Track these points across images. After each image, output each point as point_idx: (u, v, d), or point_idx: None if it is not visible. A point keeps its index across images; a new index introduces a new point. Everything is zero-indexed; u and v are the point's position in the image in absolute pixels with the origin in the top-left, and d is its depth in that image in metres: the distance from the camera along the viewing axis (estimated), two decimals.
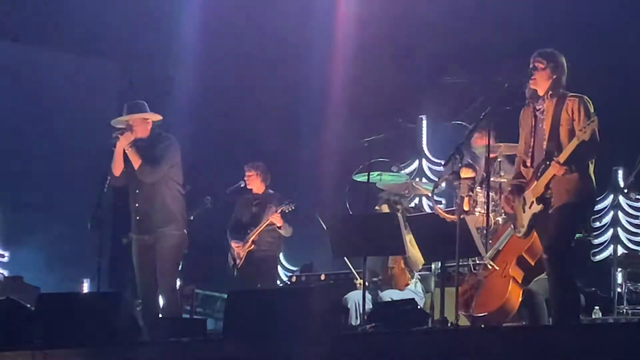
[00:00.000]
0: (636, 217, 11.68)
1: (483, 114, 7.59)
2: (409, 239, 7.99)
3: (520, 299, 7.58)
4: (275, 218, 10.32)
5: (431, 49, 12.10)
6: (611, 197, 11.64)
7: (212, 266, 10.97)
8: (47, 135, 13.26)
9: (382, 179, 9.93)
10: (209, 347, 7.19)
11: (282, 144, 12.74)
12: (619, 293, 10.10)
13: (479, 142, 9.18)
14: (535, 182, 7.11)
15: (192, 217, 9.55)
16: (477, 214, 9.09)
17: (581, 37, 10.74)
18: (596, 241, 11.56)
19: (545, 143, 7.12)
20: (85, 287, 12.23)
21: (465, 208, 8.65)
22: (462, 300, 7.65)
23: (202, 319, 10.16)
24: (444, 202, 11.23)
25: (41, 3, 12.78)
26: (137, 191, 8.78)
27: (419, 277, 9.17)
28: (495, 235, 8.12)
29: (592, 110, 7.04)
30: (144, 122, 8.79)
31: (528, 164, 7.25)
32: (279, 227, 10.39)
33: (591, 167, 7.09)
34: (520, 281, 7.59)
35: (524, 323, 7.94)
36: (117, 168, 8.76)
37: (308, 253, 11.57)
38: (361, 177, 9.89)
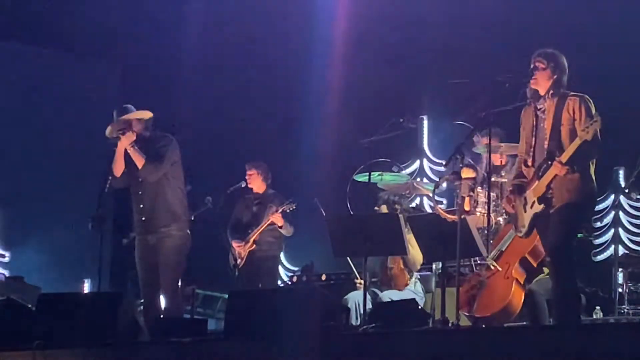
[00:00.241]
0: (637, 217, 11.67)
1: (483, 114, 7.60)
2: (408, 238, 7.98)
3: (522, 301, 7.59)
4: (276, 218, 10.32)
5: (432, 49, 12.10)
6: (612, 197, 11.63)
7: (213, 266, 10.97)
8: (47, 136, 13.26)
9: (383, 179, 9.93)
10: (210, 348, 7.18)
11: (282, 144, 12.74)
12: (619, 293, 10.10)
13: (485, 142, 9.18)
14: (537, 182, 7.11)
15: (192, 217, 9.54)
16: (478, 214, 9.10)
17: (581, 37, 10.74)
18: (597, 241, 11.55)
19: (546, 143, 7.12)
20: (86, 287, 12.25)
21: (466, 208, 8.66)
22: (464, 300, 7.65)
23: (203, 319, 10.15)
24: (444, 202, 11.24)
25: (41, 3, 12.78)
26: (140, 192, 8.75)
27: (419, 277, 9.17)
28: (497, 235, 8.12)
29: (593, 109, 7.04)
30: (139, 122, 8.78)
31: (529, 163, 7.25)
32: (280, 227, 10.39)
33: (592, 167, 7.09)
34: (522, 282, 7.59)
35: (524, 323, 7.94)
36: (118, 168, 8.73)
37: (309, 253, 11.57)
38: (362, 177, 9.90)
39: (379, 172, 9.85)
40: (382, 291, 8.90)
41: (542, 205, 7.07)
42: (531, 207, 7.13)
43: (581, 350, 5.98)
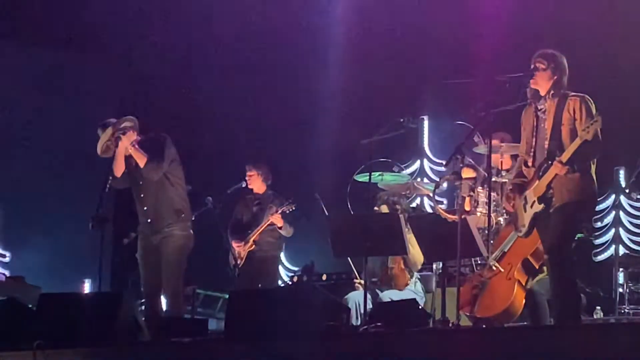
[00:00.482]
0: (637, 217, 11.67)
1: (483, 114, 7.60)
2: (408, 238, 7.98)
3: (523, 302, 7.59)
4: (275, 218, 10.33)
5: (432, 49, 12.10)
6: (613, 197, 11.63)
7: (213, 266, 10.97)
8: (48, 135, 13.25)
9: (383, 179, 9.93)
10: (210, 348, 7.18)
11: (282, 144, 12.74)
12: (620, 293, 10.10)
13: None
14: (537, 182, 7.11)
15: (193, 218, 9.54)
16: (478, 214, 9.10)
17: (581, 37, 10.74)
18: (597, 241, 11.56)
19: (546, 143, 7.12)
20: (87, 287, 12.25)
21: (467, 208, 8.65)
22: (465, 300, 7.65)
23: (203, 319, 10.15)
24: (445, 202, 11.23)
25: (41, 2, 12.78)
26: (142, 195, 8.73)
27: (419, 277, 9.17)
28: (498, 235, 8.12)
29: (594, 109, 7.05)
30: (132, 126, 8.76)
31: (530, 163, 7.25)
32: (280, 228, 10.40)
33: (593, 167, 7.09)
34: (524, 284, 7.59)
35: (524, 323, 7.94)
36: (119, 169, 8.71)
37: (309, 253, 11.57)
38: (362, 177, 9.89)
39: (380, 172, 9.84)
40: (382, 291, 8.90)
41: (542, 205, 7.08)
42: (531, 206, 7.14)
43: (581, 350, 5.98)
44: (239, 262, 10.33)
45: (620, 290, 10.14)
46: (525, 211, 7.19)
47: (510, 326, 7.61)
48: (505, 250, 7.74)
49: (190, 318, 10.08)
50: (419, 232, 7.90)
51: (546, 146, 7.12)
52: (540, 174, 7.10)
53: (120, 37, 12.93)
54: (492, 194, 8.54)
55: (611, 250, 11.41)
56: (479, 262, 8.83)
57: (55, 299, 7.89)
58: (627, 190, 11.18)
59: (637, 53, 10.72)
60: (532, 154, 7.24)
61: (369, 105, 12.15)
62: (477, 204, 9.17)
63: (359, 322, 8.32)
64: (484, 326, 7.58)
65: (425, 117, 12.76)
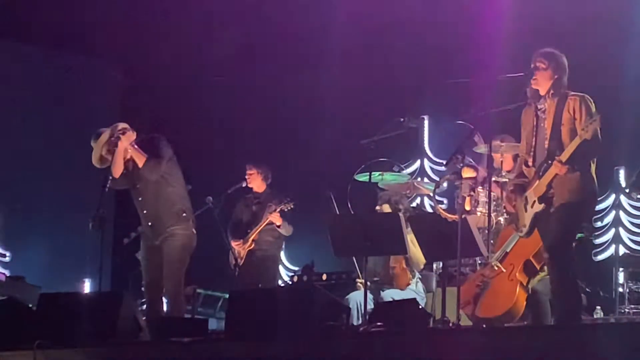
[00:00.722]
0: (638, 217, 11.69)
1: (483, 114, 7.60)
2: (410, 238, 7.98)
3: (525, 303, 7.59)
4: (274, 217, 10.32)
5: (432, 49, 12.10)
6: (613, 196, 11.65)
7: (214, 266, 10.97)
8: (48, 135, 13.25)
9: (383, 178, 9.93)
10: (211, 347, 7.18)
11: (283, 143, 12.75)
12: (620, 293, 10.11)
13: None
14: (537, 181, 7.11)
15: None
16: (478, 213, 9.10)
17: (581, 36, 10.74)
18: (598, 241, 11.57)
19: (546, 142, 7.12)
20: (87, 287, 12.25)
21: (467, 208, 8.65)
22: (466, 299, 7.64)
23: (203, 318, 10.16)
24: (445, 202, 11.23)
25: (41, 2, 12.77)
26: (141, 199, 8.70)
27: (420, 276, 9.16)
28: (498, 235, 8.12)
29: (594, 109, 7.04)
30: (128, 130, 8.76)
31: (530, 163, 7.25)
32: (278, 226, 10.39)
33: (593, 167, 7.09)
34: (526, 285, 7.59)
35: (524, 323, 7.94)
36: (118, 169, 8.66)
37: (309, 253, 11.57)
38: (363, 177, 9.89)
39: (380, 172, 9.84)
40: (383, 290, 8.90)
41: (542, 205, 7.07)
42: (532, 206, 7.13)
43: (581, 350, 5.98)
44: (239, 261, 10.32)
45: (621, 289, 10.15)
46: (525, 211, 7.19)
47: (510, 326, 7.61)
48: (508, 250, 7.74)
49: (190, 318, 10.08)
50: (419, 232, 7.89)
51: (546, 146, 7.12)
52: (541, 173, 7.10)
53: (120, 37, 12.92)
54: (493, 193, 8.54)
55: (611, 250, 11.43)
56: (480, 261, 8.84)
57: (55, 299, 7.88)
58: (627, 190, 11.19)
59: (637, 53, 10.73)
60: (532, 153, 7.24)
61: (369, 105, 12.15)
62: (477, 203, 9.17)
63: (360, 322, 8.32)
64: (484, 326, 7.58)
65: (426, 117, 12.77)
